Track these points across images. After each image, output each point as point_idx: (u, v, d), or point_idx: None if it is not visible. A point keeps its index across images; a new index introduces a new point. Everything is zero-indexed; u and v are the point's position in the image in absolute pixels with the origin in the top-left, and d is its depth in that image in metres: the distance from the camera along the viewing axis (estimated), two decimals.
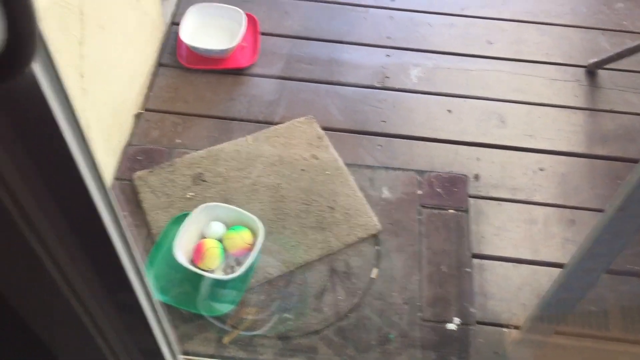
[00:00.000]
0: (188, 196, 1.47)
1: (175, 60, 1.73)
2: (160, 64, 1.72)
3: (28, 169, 0.49)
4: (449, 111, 1.69)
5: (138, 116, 1.62)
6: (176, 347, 0.90)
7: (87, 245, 0.60)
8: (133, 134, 1.58)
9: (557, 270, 1.42)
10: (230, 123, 1.63)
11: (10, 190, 0.49)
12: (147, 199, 1.46)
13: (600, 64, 1.78)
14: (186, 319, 1.29)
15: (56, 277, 0.61)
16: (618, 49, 1.74)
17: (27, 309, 0.66)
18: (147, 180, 1.49)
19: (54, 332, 0.71)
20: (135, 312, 0.73)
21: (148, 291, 0.73)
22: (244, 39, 1.75)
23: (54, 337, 0.72)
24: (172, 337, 0.88)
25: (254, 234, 1.37)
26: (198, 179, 1.51)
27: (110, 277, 0.66)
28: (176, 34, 1.77)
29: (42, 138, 0.48)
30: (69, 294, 0.64)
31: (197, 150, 1.56)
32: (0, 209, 0.50)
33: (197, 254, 1.33)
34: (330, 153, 1.57)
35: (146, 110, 1.64)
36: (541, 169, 1.59)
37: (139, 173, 1.50)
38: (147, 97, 1.66)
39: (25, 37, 0.37)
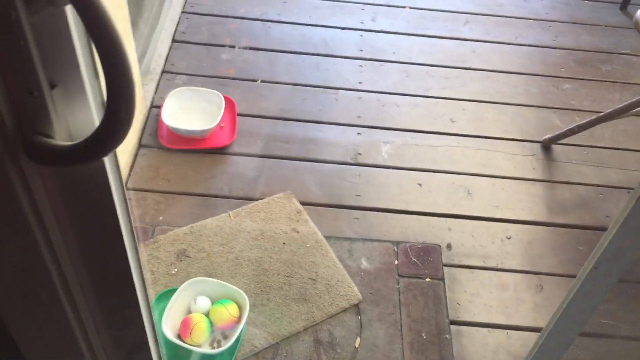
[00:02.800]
0: (172, 272, 1.50)
1: (156, 140, 1.79)
2: (141, 145, 1.78)
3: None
4: (419, 185, 1.79)
5: None
6: None
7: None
8: None
9: (529, 334, 1.49)
10: (211, 200, 1.68)
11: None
12: None
13: (554, 140, 1.93)
14: None
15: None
16: (569, 126, 1.90)
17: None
18: None
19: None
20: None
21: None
22: (222, 119, 1.84)
23: None
24: None
25: (240, 306, 1.40)
26: (182, 255, 1.54)
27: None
28: (157, 116, 1.84)
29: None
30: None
31: (180, 227, 1.60)
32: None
33: (184, 329, 1.35)
34: (309, 226, 1.64)
35: (127, 189, 1.68)
36: (508, 237, 1.69)
37: None
38: (128, 177, 1.70)
39: (122, 119, 0.42)
